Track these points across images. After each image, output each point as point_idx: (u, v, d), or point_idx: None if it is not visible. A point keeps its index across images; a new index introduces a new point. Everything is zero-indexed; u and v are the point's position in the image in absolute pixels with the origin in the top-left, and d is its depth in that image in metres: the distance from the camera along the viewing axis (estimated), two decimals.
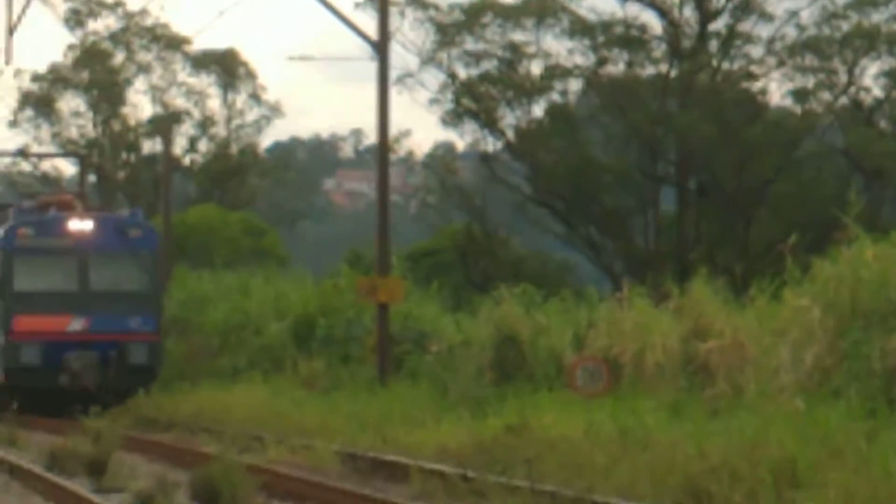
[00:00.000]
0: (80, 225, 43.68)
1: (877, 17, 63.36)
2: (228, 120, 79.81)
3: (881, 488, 17.79)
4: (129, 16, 78.09)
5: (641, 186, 65.02)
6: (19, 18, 42.78)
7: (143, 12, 77.01)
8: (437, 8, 64.67)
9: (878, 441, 20.04)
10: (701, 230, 64.14)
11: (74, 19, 77.88)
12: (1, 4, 42.21)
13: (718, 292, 34.40)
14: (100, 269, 43.77)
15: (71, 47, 78.86)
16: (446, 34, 64.87)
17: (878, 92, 64.89)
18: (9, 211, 46.00)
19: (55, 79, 78.70)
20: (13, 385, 42.40)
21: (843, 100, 64.74)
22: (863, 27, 63.20)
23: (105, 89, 78.28)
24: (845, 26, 63.54)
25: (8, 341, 42.25)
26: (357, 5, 54.64)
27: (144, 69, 79.52)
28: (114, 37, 79.50)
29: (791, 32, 64.28)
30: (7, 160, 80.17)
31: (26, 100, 78.95)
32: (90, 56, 78.41)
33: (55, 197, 49.02)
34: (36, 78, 78.75)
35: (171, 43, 78.50)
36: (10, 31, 42.53)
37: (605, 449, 24.03)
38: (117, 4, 78.28)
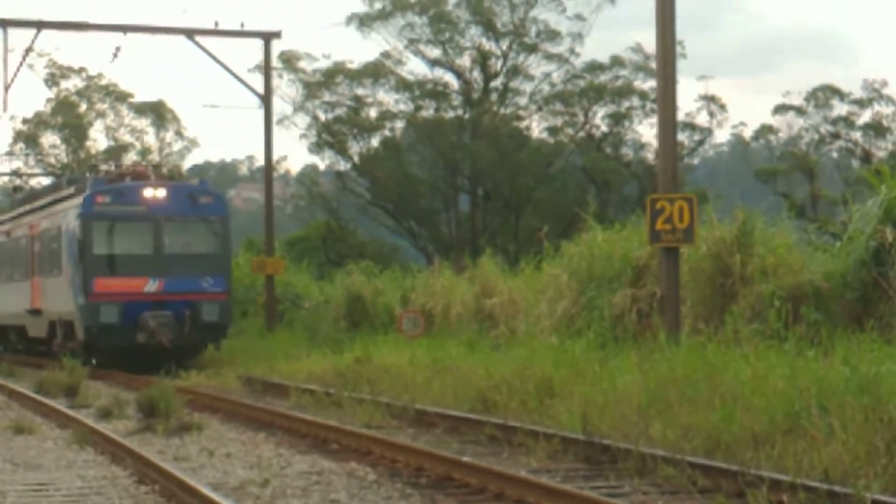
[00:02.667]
0: (154, 192, 34.10)
1: (603, 77, 63.82)
2: (161, 150, 78.82)
3: (609, 395, 17.98)
4: (90, 77, 76.99)
5: (446, 193, 65.12)
6: (12, 79, 41.74)
7: (100, 75, 75.89)
8: (304, 72, 64.37)
9: (607, 365, 20.23)
10: (486, 223, 64.28)
11: (52, 80, 76.64)
12: None
13: (499, 265, 34.61)
14: (173, 234, 34.03)
15: (49, 100, 77.69)
16: (311, 90, 64.54)
17: (604, 128, 65.37)
18: (85, 181, 36.31)
19: (39, 122, 77.43)
20: (93, 343, 33.42)
21: (581, 133, 65.16)
22: (594, 84, 63.68)
23: (74, 129, 77.14)
24: (582, 83, 63.97)
25: (88, 302, 32.97)
26: (249, 70, 54.15)
27: (101, 115, 78.41)
28: (80, 92, 78.29)
29: (546, 88, 64.57)
30: (6, 179, 78.98)
31: (19, 136, 77.61)
32: (63, 106, 77.21)
33: (130, 167, 39.35)
34: (25, 121, 77.43)
35: (120, 96, 77.42)
36: (6, 87, 41.53)
37: (423, 372, 24.07)
38: (82, 69, 77.27)
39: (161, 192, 34.35)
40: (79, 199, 34.63)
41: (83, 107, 78.91)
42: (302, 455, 17.22)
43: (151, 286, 33.49)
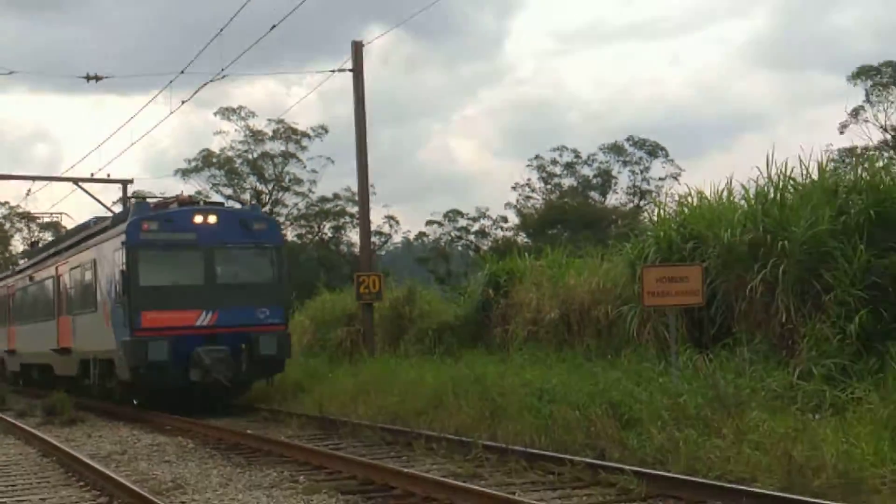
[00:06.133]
0: (205, 218, 19.30)
1: (329, 205, 63.40)
2: None
3: (335, 389, 17.79)
4: (12, 208, 71.66)
5: None
6: None
7: (18, 206, 70.73)
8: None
9: (334, 372, 20.04)
10: None
11: None
12: None
13: None
14: (226, 263, 19.29)
15: None
16: None
17: (330, 234, 65.00)
18: (126, 211, 21.14)
19: None
20: (140, 383, 18.80)
21: (317, 238, 64.62)
22: (323, 209, 63.25)
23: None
24: (317, 209, 63.53)
25: (134, 338, 18.30)
26: (114, 202, 51.57)
27: (19, 230, 73.15)
28: (4, 217, 72.81)
29: (295, 212, 63.82)
30: None
31: None
32: None
33: (175, 197, 21.59)
34: None
35: (31, 219, 72.06)
36: None
37: None
38: (5, 202, 72.08)
39: (212, 218, 19.54)
40: (121, 228, 19.84)
41: (7, 226, 73.57)
42: (147, 434, 16.48)
43: (204, 319, 18.95)
